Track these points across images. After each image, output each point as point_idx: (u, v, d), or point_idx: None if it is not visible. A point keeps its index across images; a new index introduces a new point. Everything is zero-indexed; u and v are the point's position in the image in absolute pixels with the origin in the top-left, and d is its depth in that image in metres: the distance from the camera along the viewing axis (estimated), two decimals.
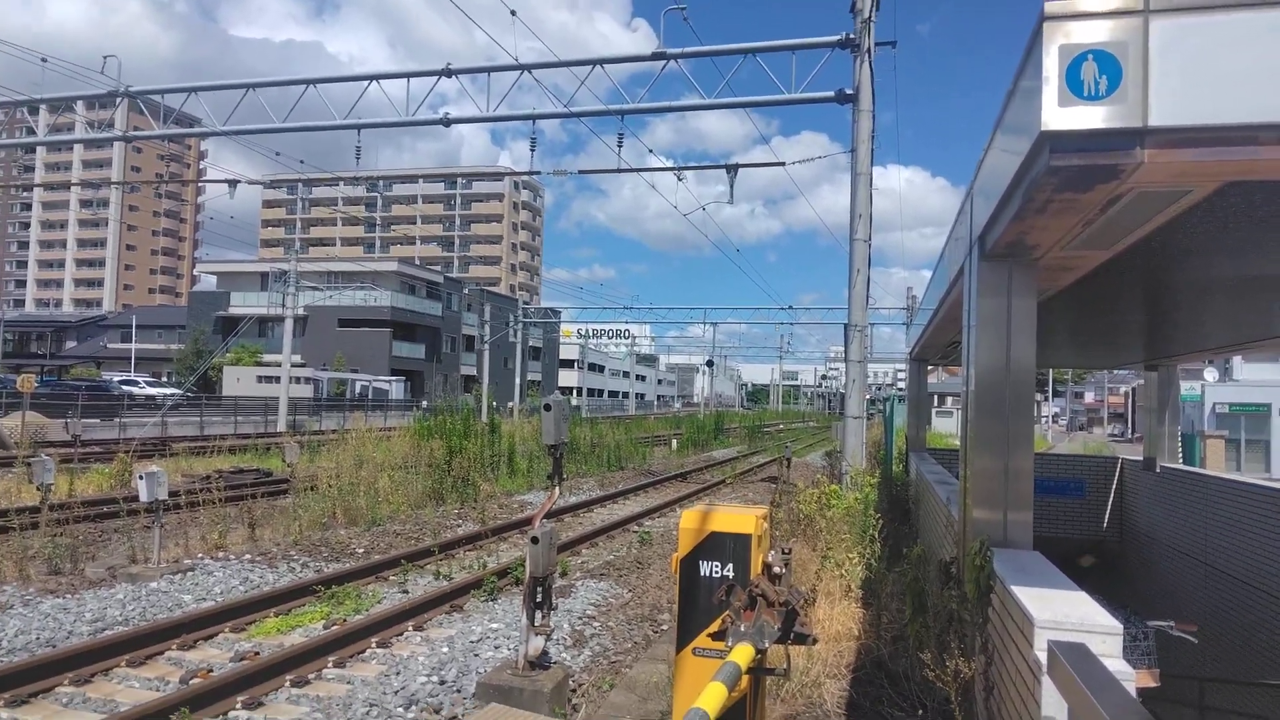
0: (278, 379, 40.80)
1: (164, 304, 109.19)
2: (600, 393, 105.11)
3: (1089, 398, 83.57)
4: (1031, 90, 3.04)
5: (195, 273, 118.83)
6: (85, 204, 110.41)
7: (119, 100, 19.29)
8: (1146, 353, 10.51)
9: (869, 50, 13.56)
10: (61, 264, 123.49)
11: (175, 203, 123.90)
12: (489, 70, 17.33)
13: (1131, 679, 2.79)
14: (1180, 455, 12.15)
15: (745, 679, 3.69)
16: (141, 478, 9.90)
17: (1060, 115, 2.90)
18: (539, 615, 6.17)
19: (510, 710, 5.27)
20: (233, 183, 21.74)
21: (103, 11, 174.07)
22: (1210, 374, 36.96)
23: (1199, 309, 7.30)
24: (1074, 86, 2.91)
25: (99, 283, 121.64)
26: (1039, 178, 3.15)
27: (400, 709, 6.08)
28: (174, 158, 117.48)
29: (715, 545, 4.02)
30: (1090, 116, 2.86)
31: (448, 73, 16.93)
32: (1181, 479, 9.58)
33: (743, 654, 3.16)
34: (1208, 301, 6.84)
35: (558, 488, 6.67)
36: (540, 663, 6.20)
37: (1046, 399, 68.69)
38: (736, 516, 4.06)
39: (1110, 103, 2.86)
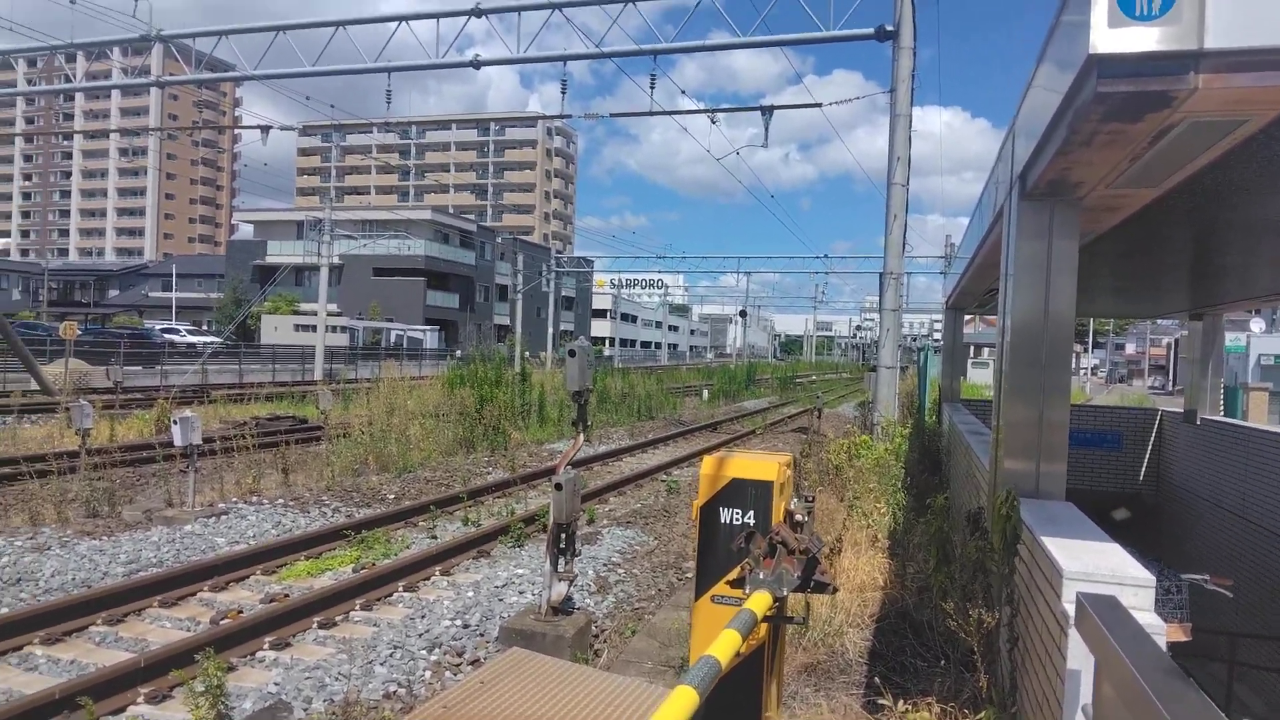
0: (314, 328, 41.19)
1: (203, 253, 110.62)
2: (633, 343, 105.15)
3: (1130, 349, 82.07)
4: (1078, 17, 2.83)
5: (233, 221, 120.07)
6: (124, 152, 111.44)
7: (152, 44, 19.28)
8: (1192, 301, 10.16)
9: None
10: (103, 213, 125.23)
11: (212, 151, 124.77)
12: (519, 9, 16.98)
13: (1162, 632, 2.68)
14: (1222, 408, 11.84)
15: (764, 627, 3.63)
16: (176, 423, 10.03)
17: (1109, 37, 2.68)
18: (562, 562, 6.18)
19: (531, 654, 5.28)
20: (265, 129, 21.76)
21: None
22: (1257, 324, 35.98)
23: (1249, 252, 6.99)
24: (1125, 5, 2.69)
25: (140, 231, 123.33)
26: (1085, 106, 2.95)
27: (424, 651, 6.14)
28: (209, 104, 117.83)
29: (736, 492, 3.94)
30: (1141, 38, 2.65)
31: (477, 13, 16.61)
32: (1223, 431, 9.31)
33: (759, 601, 3.09)
34: (1259, 244, 6.54)
35: (582, 434, 6.62)
36: (563, 608, 6.21)
37: (1086, 350, 67.50)
38: (758, 463, 3.97)
39: (1163, 23, 2.64)
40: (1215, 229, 6.06)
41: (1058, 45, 3.35)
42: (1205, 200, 4.88)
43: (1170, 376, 60.60)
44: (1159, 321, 59.07)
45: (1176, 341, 57.73)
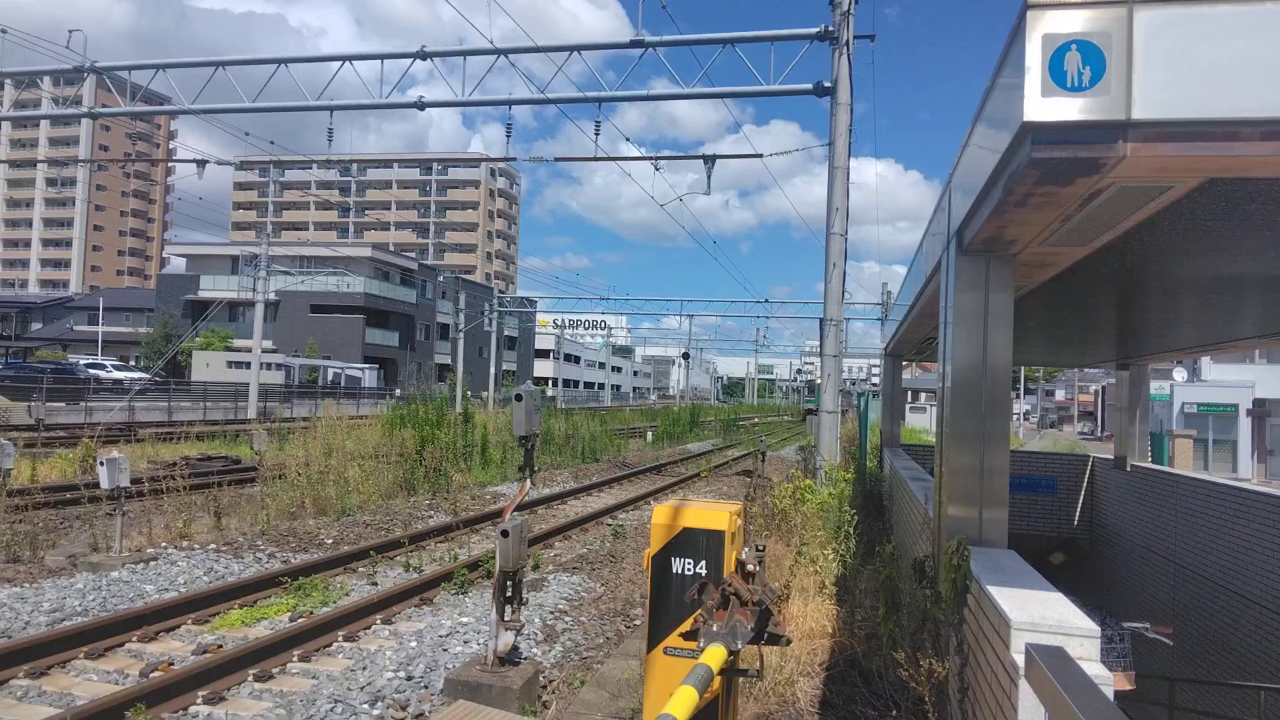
0: (248, 364, 40.24)
1: (132, 286, 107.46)
2: (576, 384, 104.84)
3: (1059, 395, 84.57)
4: (1013, 81, 2.98)
5: (164, 254, 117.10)
6: (51, 183, 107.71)
7: (85, 76, 18.86)
8: (1118, 351, 10.57)
9: (848, 43, 13.48)
10: (27, 244, 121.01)
11: (144, 183, 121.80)
12: (464, 54, 17.10)
13: (1109, 683, 2.75)
14: (1149, 454, 12.27)
15: (717, 680, 3.62)
16: (103, 464, 9.67)
17: (1042, 106, 2.84)
18: (509, 610, 6.08)
19: (478, 707, 5.18)
20: (201, 163, 21.36)
21: None
22: (1179, 374, 37.45)
23: (1171, 309, 7.33)
24: (1057, 77, 2.85)
25: (65, 263, 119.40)
26: (1020, 170, 3.09)
27: (365, 705, 5.95)
28: (142, 136, 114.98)
29: (688, 542, 3.94)
30: (1073, 108, 2.81)
31: (422, 55, 16.69)
32: (1152, 478, 9.64)
33: (715, 656, 3.09)
34: (1180, 301, 6.87)
35: (529, 480, 6.58)
36: (510, 658, 6.11)
37: (1018, 396, 69.37)
38: (709, 512, 3.98)
39: (1093, 94, 2.80)
40: (1140, 286, 6.34)
41: (994, 107, 3.49)
42: (1131, 259, 5.12)
43: (1099, 422, 62.56)
44: (1087, 369, 61.09)
45: (1104, 389, 59.71)
